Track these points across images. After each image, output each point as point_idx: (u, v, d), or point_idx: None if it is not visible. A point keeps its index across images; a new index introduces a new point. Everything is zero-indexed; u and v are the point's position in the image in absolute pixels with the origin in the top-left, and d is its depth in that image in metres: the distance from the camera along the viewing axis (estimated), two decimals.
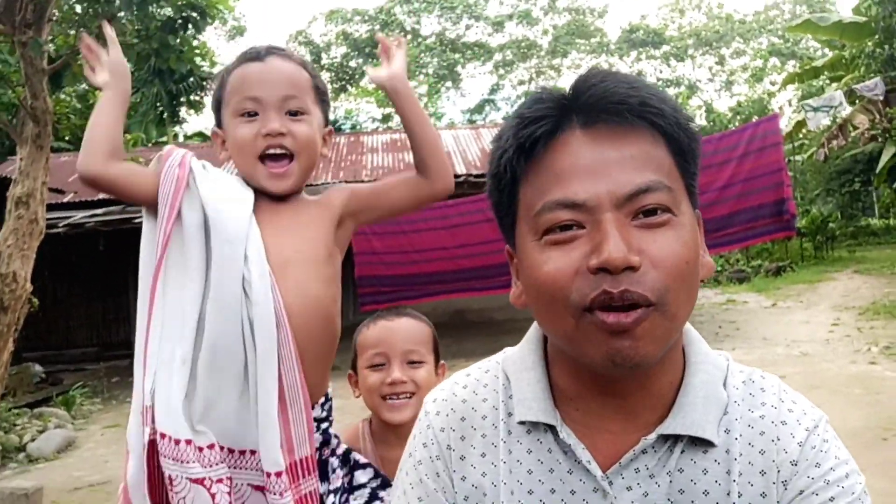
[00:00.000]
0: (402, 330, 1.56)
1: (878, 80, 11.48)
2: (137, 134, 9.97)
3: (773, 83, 34.72)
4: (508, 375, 0.92)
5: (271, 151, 1.29)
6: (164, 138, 19.01)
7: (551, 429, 0.86)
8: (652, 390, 0.83)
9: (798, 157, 19.75)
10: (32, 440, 6.89)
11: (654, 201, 0.76)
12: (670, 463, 0.82)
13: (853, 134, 13.31)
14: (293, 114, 1.30)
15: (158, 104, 18.55)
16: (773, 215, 7.17)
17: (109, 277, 13.80)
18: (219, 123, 1.38)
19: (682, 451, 0.82)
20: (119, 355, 12.60)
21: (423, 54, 32.91)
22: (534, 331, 0.93)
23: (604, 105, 0.77)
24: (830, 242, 24.67)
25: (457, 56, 34.57)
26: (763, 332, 10.20)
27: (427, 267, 8.54)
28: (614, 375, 0.80)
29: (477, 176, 11.21)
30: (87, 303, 13.83)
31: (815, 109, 11.20)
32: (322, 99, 1.38)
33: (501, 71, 35.80)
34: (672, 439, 0.82)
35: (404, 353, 1.53)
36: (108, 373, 11.07)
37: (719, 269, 19.11)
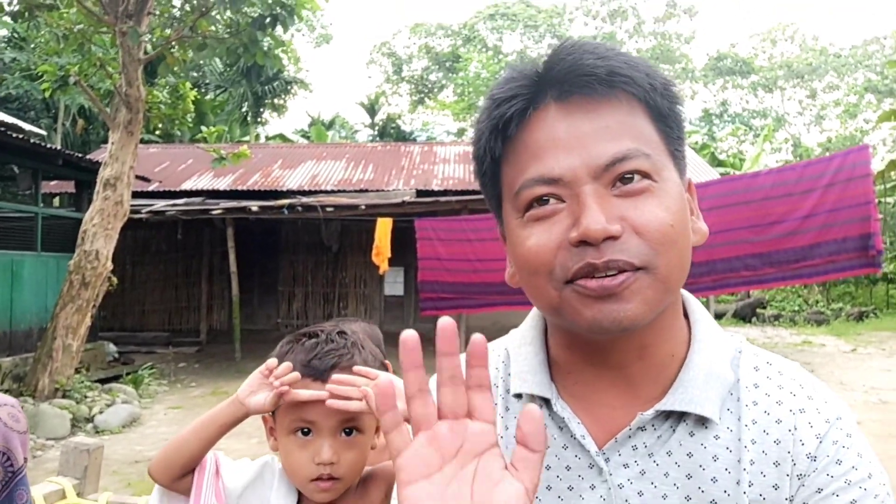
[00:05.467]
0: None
1: None
2: (221, 128, 10.37)
3: (867, 121, 33.20)
4: (509, 352, 0.91)
5: (321, 478, 1.26)
6: (247, 137, 19.76)
7: (546, 402, 0.83)
8: (651, 362, 0.80)
9: (889, 200, 18.76)
10: (100, 413, 7.21)
11: (631, 168, 0.73)
12: (671, 442, 0.78)
13: None
14: (349, 433, 1.27)
15: (244, 104, 19.32)
16: (858, 249, 6.78)
17: (184, 266, 14.38)
18: (273, 413, 1.32)
19: (692, 434, 0.78)
20: (187, 342, 13.08)
21: (503, 72, 33.06)
22: (535, 310, 0.91)
23: (573, 78, 0.75)
24: None
25: None
26: (840, 376, 9.67)
27: (489, 277, 8.49)
28: (606, 341, 0.78)
29: None
30: (162, 289, 14.44)
31: None
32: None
33: None
34: (675, 417, 0.79)
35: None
36: (176, 358, 11.49)
37: (797, 308, 18.30)
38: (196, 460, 1.32)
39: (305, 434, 1.25)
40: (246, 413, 1.31)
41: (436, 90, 33.68)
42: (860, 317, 17.70)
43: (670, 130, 0.78)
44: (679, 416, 0.78)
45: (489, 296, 8.63)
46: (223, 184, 13.13)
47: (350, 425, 1.26)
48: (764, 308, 18.20)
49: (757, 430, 0.77)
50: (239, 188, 12.89)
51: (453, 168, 14.01)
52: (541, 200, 0.76)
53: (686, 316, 0.85)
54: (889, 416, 7.01)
